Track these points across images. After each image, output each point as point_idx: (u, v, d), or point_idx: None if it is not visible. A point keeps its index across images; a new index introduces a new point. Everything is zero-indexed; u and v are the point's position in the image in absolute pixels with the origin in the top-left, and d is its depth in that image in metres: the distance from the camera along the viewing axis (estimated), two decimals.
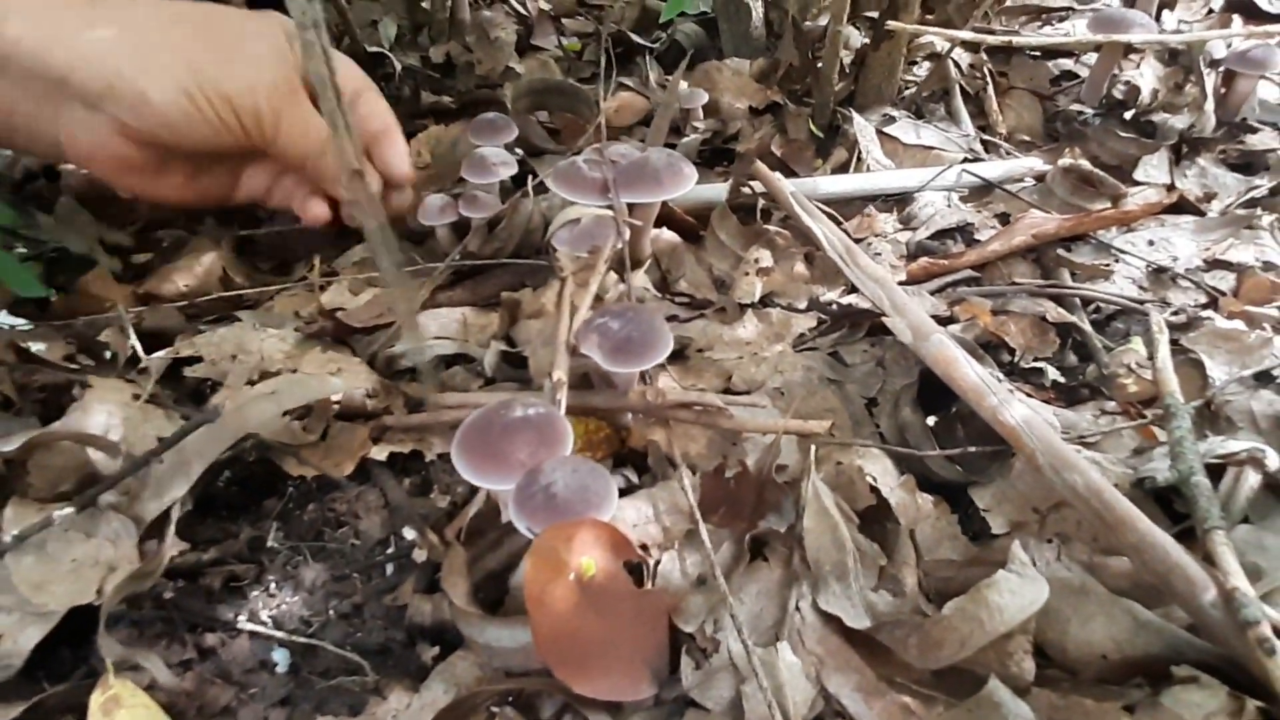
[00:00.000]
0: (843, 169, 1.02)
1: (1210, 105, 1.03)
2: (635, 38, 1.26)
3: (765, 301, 0.83)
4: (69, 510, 0.55)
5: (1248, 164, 1.00)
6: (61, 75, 0.63)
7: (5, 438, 0.60)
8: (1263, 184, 0.95)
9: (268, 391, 0.62)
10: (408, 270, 0.84)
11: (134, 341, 0.72)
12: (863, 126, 1.03)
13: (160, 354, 0.73)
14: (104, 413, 0.62)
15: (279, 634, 0.57)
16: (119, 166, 0.70)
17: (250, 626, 0.57)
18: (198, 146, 0.70)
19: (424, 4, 1.26)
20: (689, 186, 0.79)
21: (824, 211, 0.85)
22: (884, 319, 0.71)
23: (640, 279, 0.83)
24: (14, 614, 0.53)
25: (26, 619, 0.53)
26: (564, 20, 1.36)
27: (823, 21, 1.17)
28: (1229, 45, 1.07)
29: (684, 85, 1.10)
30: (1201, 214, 0.91)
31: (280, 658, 0.56)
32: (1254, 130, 1.03)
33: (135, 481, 0.58)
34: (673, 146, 1.04)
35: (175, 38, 0.66)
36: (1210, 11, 1.25)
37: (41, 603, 0.53)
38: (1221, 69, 1.07)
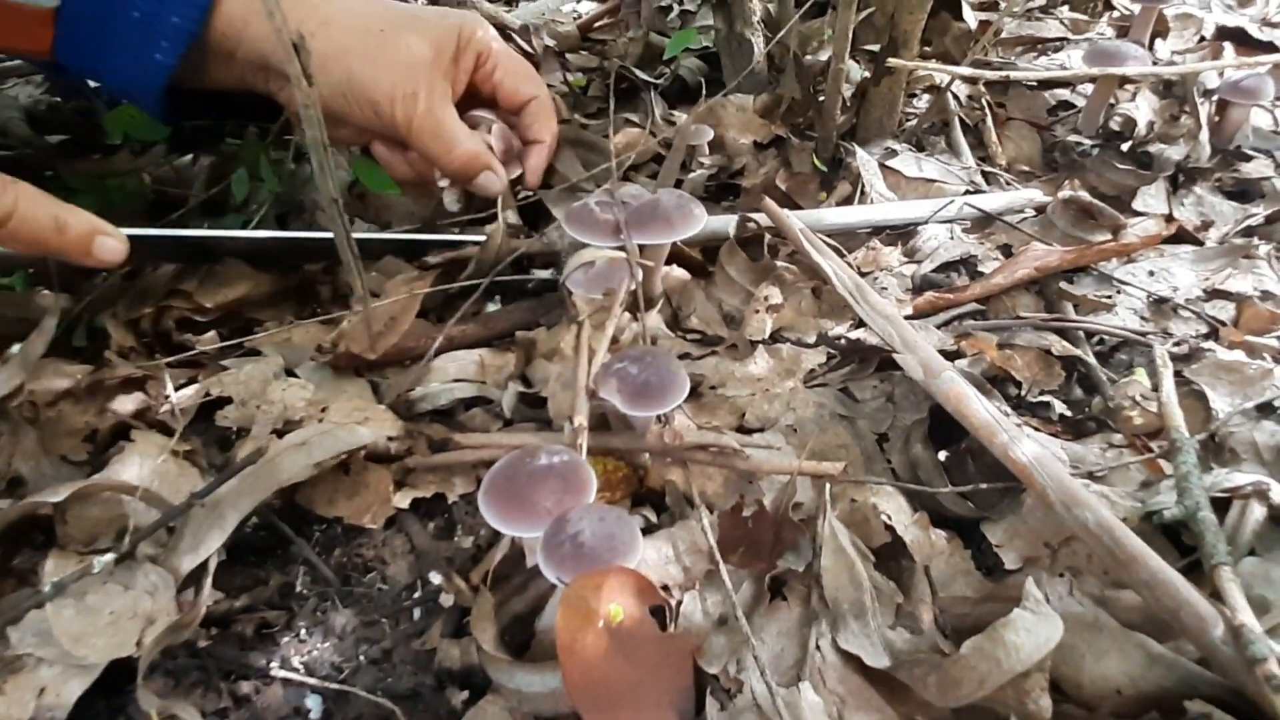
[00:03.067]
0: (847, 202, 1.04)
1: (1205, 135, 1.05)
2: (639, 73, 1.29)
3: (775, 337, 0.85)
4: (109, 558, 0.57)
5: (1243, 191, 1.02)
6: (268, 61, 0.80)
7: (51, 488, 0.62)
8: (1258, 212, 0.97)
9: (299, 443, 0.64)
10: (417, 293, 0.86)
11: (170, 392, 0.74)
12: (865, 160, 1.05)
13: (189, 392, 0.75)
14: (138, 465, 0.64)
15: (311, 680, 0.58)
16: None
17: (283, 674, 0.58)
18: (363, 126, 0.85)
19: None
20: (699, 227, 0.81)
21: (830, 246, 0.87)
22: (895, 356, 0.73)
23: (654, 319, 0.84)
24: (55, 666, 0.54)
25: (68, 672, 0.54)
26: (569, 56, 1.39)
27: (823, 56, 1.20)
28: (1221, 75, 1.09)
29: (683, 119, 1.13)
30: (1200, 243, 0.93)
31: (313, 704, 0.57)
32: (1248, 158, 1.05)
33: (171, 534, 0.59)
34: (680, 182, 1.07)
35: (347, 44, 0.79)
36: (1202, 39, 1.27)
37: (82, 655, 0.54)
38: (1215, 98, 1.09)
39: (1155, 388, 0.72)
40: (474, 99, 0.90)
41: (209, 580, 0.59)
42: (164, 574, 0.57)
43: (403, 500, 0.68)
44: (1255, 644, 0.47)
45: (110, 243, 0.69)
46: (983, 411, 0.65)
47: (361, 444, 0.66)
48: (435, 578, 0.64)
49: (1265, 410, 0.70)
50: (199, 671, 0.58)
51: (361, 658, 0.60)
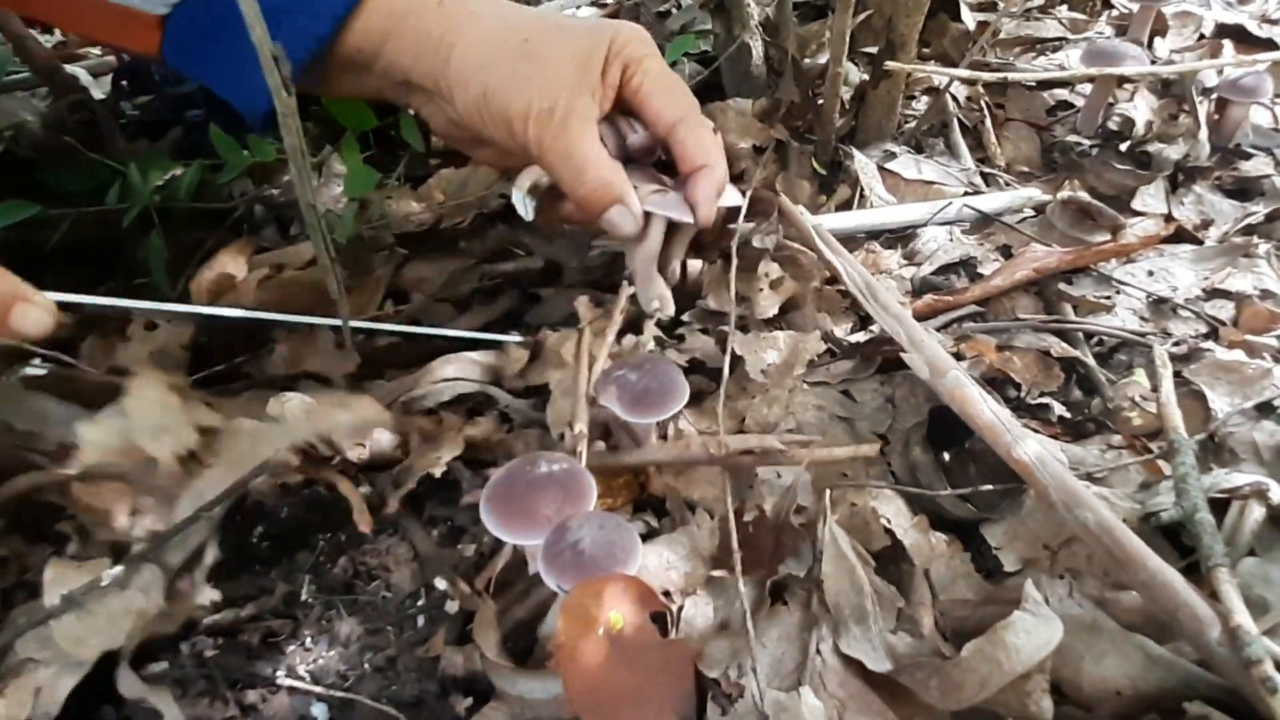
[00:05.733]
0: (846, 205, 1.04)
1: (1204, 133, 1.05)
2: None
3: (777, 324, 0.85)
4: (118, 570, 0.58)
5: (1242, 190, 1.02)
6: (409, 76, 0.77)
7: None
8: (1258, 210, 0.97)
9: (273, 424, 0.65)
10: None
11: None
12: (864, 163, 1.06)
13: None
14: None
15: (317, 689, 0.58)
16: (450, 137, 0.85)
17: (289, 682, 0.59)
18: (504, 148, 0.79)
19: None
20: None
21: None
22: (902, 354, 0.73)
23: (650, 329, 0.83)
24: (51, 666, 0.55)
25: (62, 670, 0.55)
26: None
27: (822, 59, 1.20)
28: (1220, 73, 1.09)
29: None
30: (1199, 242, 0.93)
31: (319, 712, 0.58)
32: (1247, 156, 1.05)
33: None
34: None
35: (486, 57, 0.74)
36: (1201, 37, 1.27)
37: (79, 655, 0.56)
38: (1214, 97, 1.09)
39: (1154, 388, 0.72)
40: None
41: (203, 573, 0.60)
42: (155, 569, 0.58)
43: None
44: (1251, 645, 0.47)
45: (34, 312, 0.58)
46: (987, 411, 0.65)
47: (339, 426, 0.67)
48: (439, 584, 0.65)
49: (1264, 410, 0.70)
50: (205, 680, 0.59)
51: (366, 665, 0.60)
